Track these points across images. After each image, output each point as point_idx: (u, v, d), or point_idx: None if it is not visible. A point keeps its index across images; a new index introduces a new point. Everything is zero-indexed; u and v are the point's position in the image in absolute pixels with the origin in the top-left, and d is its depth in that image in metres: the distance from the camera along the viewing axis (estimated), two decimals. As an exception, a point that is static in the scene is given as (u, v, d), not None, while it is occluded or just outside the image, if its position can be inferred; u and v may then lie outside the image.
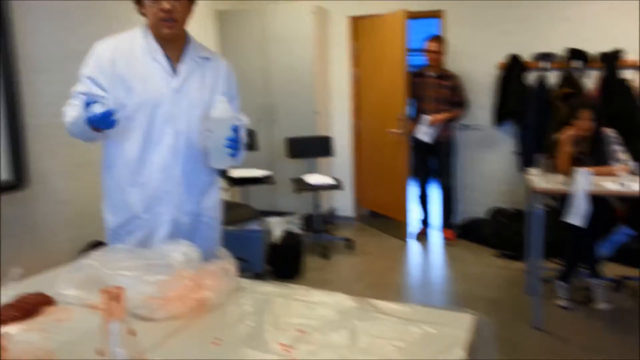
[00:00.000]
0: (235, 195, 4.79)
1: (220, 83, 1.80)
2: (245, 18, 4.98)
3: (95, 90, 1.66)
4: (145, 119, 1.69)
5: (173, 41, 1.72)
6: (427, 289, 3.73)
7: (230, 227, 3.67)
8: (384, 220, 5.02)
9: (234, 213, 3.57)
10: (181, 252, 1.36)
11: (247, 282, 1.39)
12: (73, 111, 1.64)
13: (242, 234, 3.71)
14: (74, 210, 3.29)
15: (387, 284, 3.72)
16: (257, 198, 4.71)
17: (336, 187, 4.33)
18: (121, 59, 1.68)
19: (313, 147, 4.64)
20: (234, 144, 1.65)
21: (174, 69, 1.72)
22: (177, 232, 1.73)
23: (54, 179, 3.14)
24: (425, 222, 4.80)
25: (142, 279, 1.21)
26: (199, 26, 4.79)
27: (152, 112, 1.68)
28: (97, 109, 1.50)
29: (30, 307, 1.20)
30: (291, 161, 4.65)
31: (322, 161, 4.91)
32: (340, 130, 5.21)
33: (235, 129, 1.65)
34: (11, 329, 1.09)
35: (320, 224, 4.53)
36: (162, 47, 1.71)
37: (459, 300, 3.45)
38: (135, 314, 1.15)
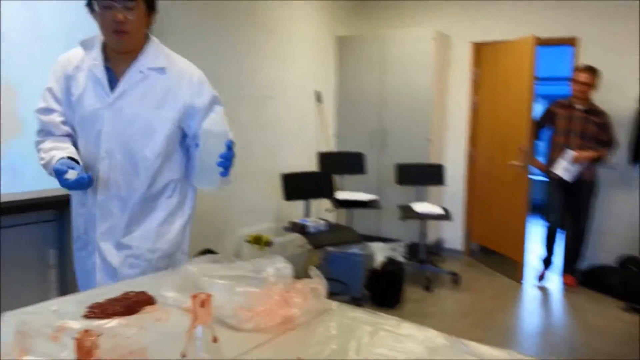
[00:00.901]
0: (340, 217, 4.81)
1: (180, 95, 1.63)
2: (363, 44, 5.06)
3: (53, 104, 1.64)
4: (83, 135, 1.63)
5: (125, 53, 1.60)
6: (539, 336, 3.42)
7: (331, 249, 3.69)
8: (497, 257, 4.74)
9: (336, 235, 3.58)
10: (275, 267, 1.37)
11: (336, 305, 1.36)
12: (43, 152, 1.62)
13: (342, 257, 3.70)
14: (192, 219, 3.51)
15: (493, 326, 3.47)
16: (361, 222, 4.69)
17: (445, 217, 4.17)
18: (70, 71, 1.63)
19: (424, 175, 4.54)
20: (226, 162, 1.45)
21: (116, 83, 1.61)
22: (105, 262, 1.65)
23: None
24: (547, 263, 4.40)
25: (234, 289, 1.23)
26: (319, 51, 4.96)
27: (88, 128, 1.61)
28: (70, 176, 1.47)
29: (133, 304, 1.28)
30: (399, 188, 4.58)
31: (432, 190, 4.78)
32: (454, 158, 5.04)
33: (230, 145, 1.44)
34: (112, 322, 1.18)
35: (425, 254, 4.39)
36: (111, 59, 1.62)
37: (574, 353, 3.12)
38: (224, 322, 1.18)
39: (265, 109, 4.30)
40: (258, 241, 3.84)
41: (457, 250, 5.09)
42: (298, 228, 3.52)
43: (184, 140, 1.73)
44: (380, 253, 4.12)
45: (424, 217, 4.17)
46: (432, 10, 5.04)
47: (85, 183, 1.50)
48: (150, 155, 1.63)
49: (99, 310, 1.24)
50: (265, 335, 1.16)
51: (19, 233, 2.65)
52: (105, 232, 1.65)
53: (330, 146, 5.13)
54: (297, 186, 3.68)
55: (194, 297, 0.90)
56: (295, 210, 4.15)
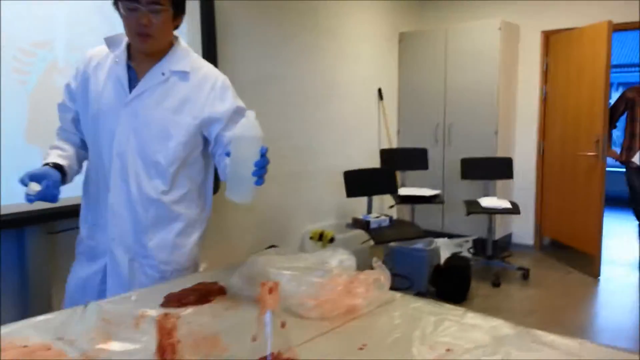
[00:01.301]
0: (403, 214, 4.79)
1: (201, 100, 1.55)
2: (427, 39, 5.00)
3: (67, 102, 1.63)
4: (96, 134, 1.56)
5: (150, 55, 1.54)
6: (616, 333, 3.25)
7: (394, 245, 3.68)
8: (570, 251, 4.54)
9: (398, 230, 3.57)
10: (338, 259, 1.41)
11: (399, 296, 1.38)
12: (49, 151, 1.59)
13: (406, 252, 3.68)
14: (258, 217, 3.64)
15: (565, 323, 3.33)
16: (425, 218, 4.64)
17: (513, 211, 4.05)
18: (91, 68, 1.58)
19: (491, 169, 4.42)
20: (261, 171, 1.29)
21: (136, 83, 1.54)
22: (116, 269, 1.56)
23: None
24: None
25: (300, 279, 1.28)
26: (382, 48, 4.95)
27: (102, 127, 1.54)
28: (29, 191, 1.38)
29: (206, 293, 1.35)
30: (465, 183, 4.50)
31: (500, 184, 4.65)
32: (523, 151, 4.88)
33: (264, 152, 1.29)
34: (187, 310, 1.25)
35: (492, 250, 4.28)
36: (135, 58, 1.56)
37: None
38: (291, 311, 1.22)
39: (328, 107, 4.36)
40: (321, 237, 3.90)
41: (527, 245, 4.92)
42: (361, 224, 3.54)
43: (206, 148, 1.65)
44: (445, 249, 4.06)
45: (491, 212, 4.07)
46: (498, 1, 4.90)
47: (49, 200, 1.41)
48: (164, 161, 1.53)
49: (175, 300, 1.32)
50: (330, 324, 1.19)
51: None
52: (117, 237, 1.56)
53: (393, 143, 5.11)
54: (359, 183, 3.69)
55: (263, 284, 0.95)
56: (359, 206, 4.18)
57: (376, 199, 4.10)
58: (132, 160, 1.52)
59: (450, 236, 4.53)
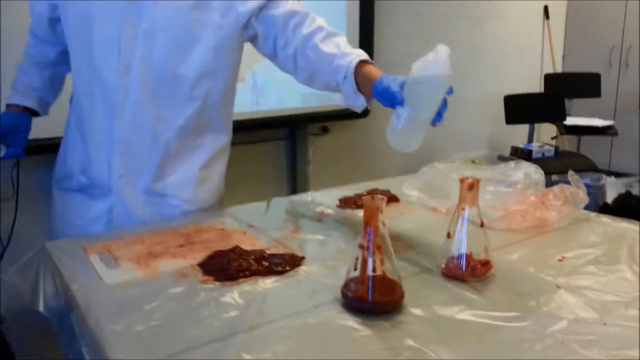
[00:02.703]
0: (565, 146, 4.37)
1: None
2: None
3: None
4: (82, 40, 1.18)
5: None
6: None
7: (556, 178, 3.38)
8: None
9: (565, 162, 3.27)
10: (524, 171, 1.30)
11: (594, 215, 1.24)
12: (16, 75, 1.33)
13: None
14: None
15: None
16: (591, 153, 4.19)
17: None
18: None
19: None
20: (439, 116, 1.01)
21: None
22: (127, 213, 1.22)
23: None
24: None
25: (484, 188, 1.20)
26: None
27: (94, 31, 1.15)
28: None
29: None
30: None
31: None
32: None
33: (451, 93, 1.00)
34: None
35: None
36: None
37: None
38: (473, 220, 1.16)
39: (485, 29, 4.02)
40: (472, 167, 3.72)
41: None
42: (522, 153, 3.30)
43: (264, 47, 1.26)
44: (611, 188, 3.65)
45: (676, 147, 3.54)
46: None
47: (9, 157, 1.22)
48: (190, 74, 1.18)
49: (352, 202, 1.34)
50: (517, 235, 1.12)
51: (259, 148, 2.98)
52: (127, 174, 1.22)
53: (557, 69, 4.60)
54: (521, 109, 3.41)
55: (462, 180, 0.89)
56: (513, 138, 3.89)
57: (537, 129, 3.78)
58: (144, 76, 1.16)
59: (617, 175, 4.06)
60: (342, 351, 0.69)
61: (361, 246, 0.79)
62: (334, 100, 3.00)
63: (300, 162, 3.09)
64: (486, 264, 0.90)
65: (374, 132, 3.32)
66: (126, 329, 0.72)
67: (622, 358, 0.65)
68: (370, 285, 0.78)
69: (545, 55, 4.50)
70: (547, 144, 3.46)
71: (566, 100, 3.97)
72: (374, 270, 0.78)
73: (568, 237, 1.11)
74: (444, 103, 1.01)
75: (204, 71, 1.19)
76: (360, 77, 1.13)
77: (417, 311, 0.78)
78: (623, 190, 3.77)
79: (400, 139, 1.05)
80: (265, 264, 0.93)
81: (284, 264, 0.94)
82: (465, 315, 0.77)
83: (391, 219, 1.22)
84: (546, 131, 4.17)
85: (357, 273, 0.79)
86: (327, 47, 1.17)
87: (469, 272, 0.88)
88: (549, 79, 4.12)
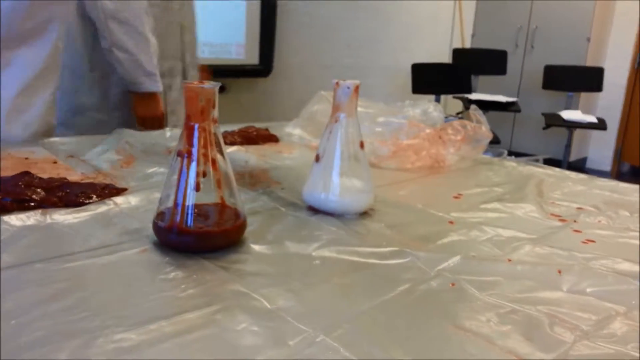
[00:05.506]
0: (471, 121, 4.38)
1: None
2: None
3: None
4: None
5: None
6: None
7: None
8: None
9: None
10: (421, 108, 1.11)
11: (497, 160, 1.08)
12: None
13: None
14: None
15: None
16: (494, 130, 4.23)
17: (599, 126, 3.59)
18: None
19: (577, 79, 3.91)
20: None
21: None
22: None
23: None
24: None
25: (374, 120, 1.00)
26: None
27: None
28: None
29: (253, 137, 1.11)
30: (546, 95, 4.02)
31: (583, 99, 4.14)
32: (615, 65, 4.29)
33: None
34: (231, 148, 1.01)
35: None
36: None
37: None
38: (351, 137, 0.96)
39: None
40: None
41: (602, 171, 4.46)
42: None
43: None
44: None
45: (573, 126, 3.62)
46: None
47: None
48: None
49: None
50: (409, 174, 0.92)
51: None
52: None
53: (467, 46, 4.60)
54: (428, 79, 3.31)
55: (337, 83, 0.67)
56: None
57: (443, 101, 3.72)
58: None
59: (517, 155, 4.12)
60: (130, 299, 0.44)
61: (180, 153, 0.55)
62: (230, 55, 2.71)
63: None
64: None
65: (275, 94, 3.09)
66: None
67: (531, 301, 0.46)
68: (189, 211, 0.54)
69: (455, 34, 4.47)
70: (451, 115, 3.39)
71: (472, 77, 3.95)
72: (197, 188, 0.54)
73: (467, 177, 0.94)
74: None
75: None
76: None
77: (259, 248, 0.55)
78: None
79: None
80: (60, 193, 0.66)
81: (88, 194, 0.67)
82: (325, 251, 0.55)
83: (264, 156, 0.98)
84: (452, 106, 4.14)
85: (173, 194, 0.54)
86: None
87: (341, 203, 0.66)
88: (458, 53, 4.09)
